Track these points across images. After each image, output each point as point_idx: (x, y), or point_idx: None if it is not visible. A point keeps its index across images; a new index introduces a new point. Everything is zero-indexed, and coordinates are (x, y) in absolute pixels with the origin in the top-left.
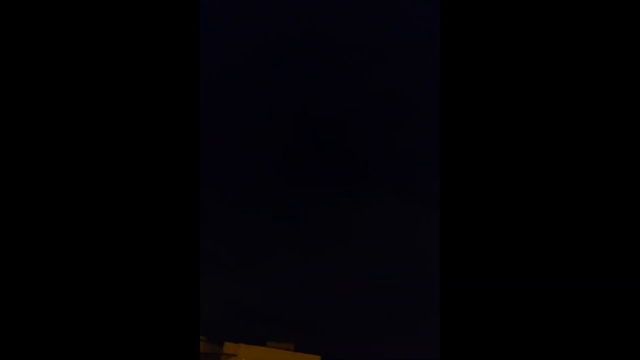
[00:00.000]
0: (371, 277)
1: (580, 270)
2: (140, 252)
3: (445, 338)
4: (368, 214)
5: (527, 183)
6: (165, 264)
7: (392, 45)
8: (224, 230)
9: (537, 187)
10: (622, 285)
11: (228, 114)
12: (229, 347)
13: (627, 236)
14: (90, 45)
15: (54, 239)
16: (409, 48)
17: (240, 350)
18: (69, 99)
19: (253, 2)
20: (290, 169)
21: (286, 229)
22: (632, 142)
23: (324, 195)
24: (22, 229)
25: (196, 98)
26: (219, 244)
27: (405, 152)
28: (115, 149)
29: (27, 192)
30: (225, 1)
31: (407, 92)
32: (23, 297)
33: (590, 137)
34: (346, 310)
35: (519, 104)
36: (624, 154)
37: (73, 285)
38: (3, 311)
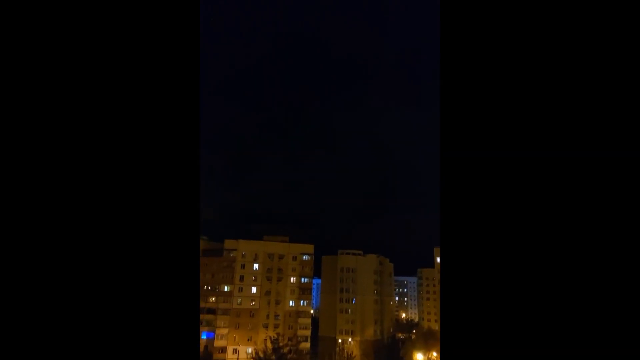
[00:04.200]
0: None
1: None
2: (140, 252)
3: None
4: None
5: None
6: (165, 264)
7: (393, 46)
8: (220, 140)
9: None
10: None
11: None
12: (229, 243)
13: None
14: (91, 46)
15: (54, 239)
16: (409, 49)
17: (239, 245)
18: (69, 100)
19: (253, 3)
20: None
21: (276, 139)
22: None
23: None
24: (22, 230)
25: (196, 98)
26: (216, 154)
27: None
28: (115, 149)
29: (28, 193)
30: (225, 1)
31: (408, 94)
32: (23, 297)
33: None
34: (333, 208)
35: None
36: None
37: (73, 286)
38: (3, 311)
